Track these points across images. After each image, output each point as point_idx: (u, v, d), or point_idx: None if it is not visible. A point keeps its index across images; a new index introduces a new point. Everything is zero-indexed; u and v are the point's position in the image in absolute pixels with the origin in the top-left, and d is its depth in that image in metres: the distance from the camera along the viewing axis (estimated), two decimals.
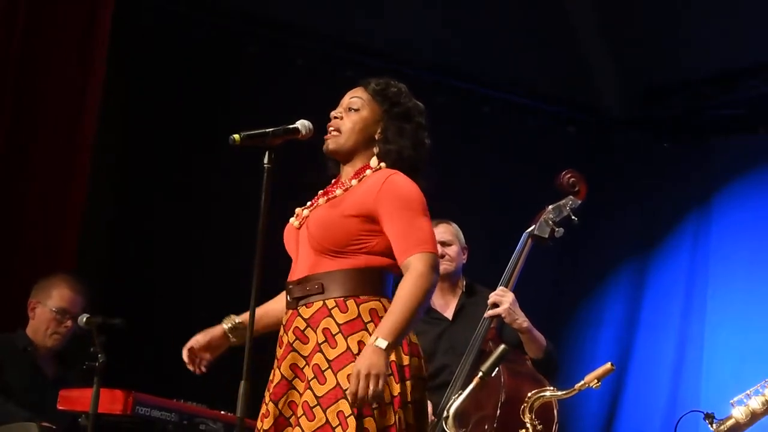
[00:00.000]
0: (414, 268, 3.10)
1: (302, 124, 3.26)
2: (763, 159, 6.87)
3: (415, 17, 6.68)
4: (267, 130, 3.17)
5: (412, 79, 6.44)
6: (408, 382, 3.12)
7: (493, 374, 3.50)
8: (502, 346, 3.51)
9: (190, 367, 3.41)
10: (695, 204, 7.15)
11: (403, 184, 3.20)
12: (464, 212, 4.83)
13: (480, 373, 3.45)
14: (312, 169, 3.49)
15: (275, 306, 3.39)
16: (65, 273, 4.97)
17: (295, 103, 5.32)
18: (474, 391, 3.49)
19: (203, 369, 3.40)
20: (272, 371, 3.22)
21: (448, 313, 4.62)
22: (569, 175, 4.51)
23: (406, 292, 3.07)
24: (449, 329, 4.55)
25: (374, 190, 3.19)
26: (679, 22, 6.77)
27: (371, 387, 2.96)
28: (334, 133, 3.30)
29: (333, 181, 3.41)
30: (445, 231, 4.67)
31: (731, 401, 3.10)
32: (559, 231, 4.45)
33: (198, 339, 3.42)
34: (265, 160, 3.14)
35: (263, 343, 3.28)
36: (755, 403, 3.07)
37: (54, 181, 5.56)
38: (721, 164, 7.08)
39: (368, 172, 3.27)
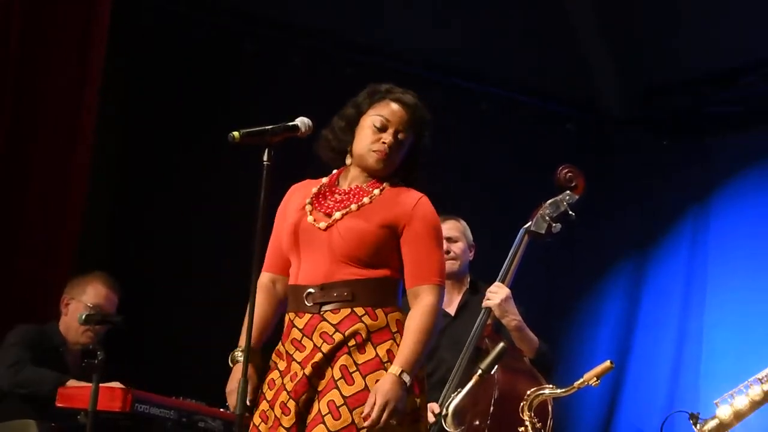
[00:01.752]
0: (426, 300, 3.22)
1: (302, 122, 3.27)
2: (761, 156, 6.86)
3: (414, 15, 6.68)
4: (266, 127, 3.18)
5: (411, 77, 6.48)
6: (423, 397, 3.24)
7: (492, 372, 3.50)
8: (501, 344, 3.52)
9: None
10: (694, 202, 7.14)
11: (433, 212, 3.33)
12: (462, 210, 4.82)
13: (479, 371, 3.46)
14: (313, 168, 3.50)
15: (267, 311, 3.38)
16: (100, 271, 4.93)
17: (295, 102, 5.32)
18: (473, 389, 3.50)
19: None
20: (284, 371, 3.24)
21: (451, 309, 4.61)
22: (566, 170, 4.51)
23: (421, 326, 3.18)
24: (452, 325, 4.54)
25: (407, 208, 3.29)
26: (677, 21, 6.77)
27: (386, 416, 3.06)
28: (386, 158, 3.32)
29: (327, 179, 3.42)
30: (452, 227, 4.66)
31: (715, 401, 3.11)
32: (556, 227, 4.45)
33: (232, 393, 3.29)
34: (265, 158, 3.15)
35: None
36: (740, 403, 3.07)
37: (54, 181, 5.56)
38: (719, 162, 7.08)
39: (386, 184, 3.33)
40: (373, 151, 3.30)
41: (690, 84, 7.08)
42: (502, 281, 4.41)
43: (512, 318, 4.35)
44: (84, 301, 4.76)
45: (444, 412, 3.45)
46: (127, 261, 6.05)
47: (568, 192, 4.49)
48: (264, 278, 3.40)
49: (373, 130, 3.32)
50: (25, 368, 4.54)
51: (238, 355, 3.28)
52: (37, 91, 5.53)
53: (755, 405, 3.08)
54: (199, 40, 6.42)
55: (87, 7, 5.69)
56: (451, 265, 4.62)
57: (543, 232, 4.45)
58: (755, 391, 3.09)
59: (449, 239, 4.62)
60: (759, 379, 3.12)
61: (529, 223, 4.46)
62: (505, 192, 6.99)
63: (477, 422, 4.13)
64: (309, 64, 6.64)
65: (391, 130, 3.32)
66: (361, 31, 6.70)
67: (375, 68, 6.61)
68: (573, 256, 7.07)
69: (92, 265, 5.24)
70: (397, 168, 3.35)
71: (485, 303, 4.36)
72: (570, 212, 4.45)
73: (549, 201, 4.47)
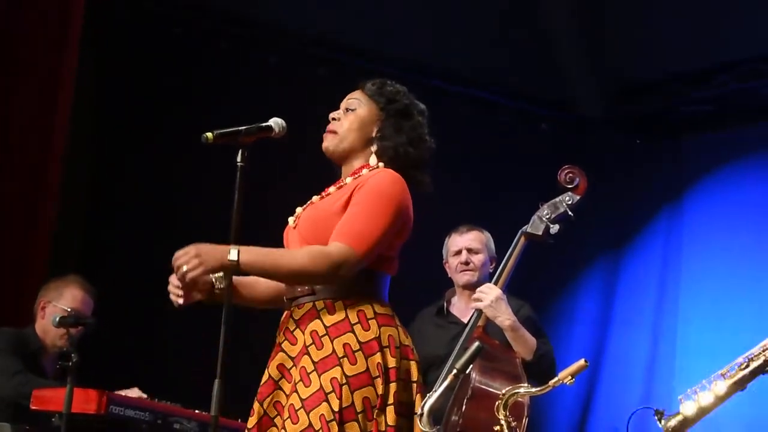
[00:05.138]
0: (325, 248, 3.07)
1: (275, 123, 3.26)
2: (733, 155, 6.92)
3: (388, 15, 6.68)
4: (239, 128, 3.17)
5: (385, 77, 6.49)
6: (393, 384, 3.12)
7: (467, 371, 3.50)
8: (476, 344, 3.51)
9: (172, 290, 3.25)
10: (667, 200, 7.19)
11: (383, 178, 3.19)
12: (438, 210, 4.83)
13: (454, 370, 3.46)
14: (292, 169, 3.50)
15: (263, 282, 3.35)
16: (76, 273, 4.91)
17: (270, 101, 5.31)
18: (449, 389, 3.50)
19: (180, 302, 3.25)
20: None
21: (465, 318, 4.60)
22: (567, 170, 4.45)
23: (293, 256, 3.08)
24: (463, 333, 4.47)
25: (361, 181, 3.19)
26: (651, 20, 6.80)
27: (189, 267, 2.99)
28: (332, 134, 3.31)
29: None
30: (474, 238, 4.66)
31: (679, 397, 3.13)
32: (555, 228, 4.39)
33: None
34: (238, 159, 3.14)
35: (237, 343, 3.28)
36: (704, 399, 3.09)
37: (27, 182, 5.54)
38: (693, 161, 7.14)
39: (365, 171, 3.27)
40: (324, 133, 3.32)
41: (663, 84, 7.13)
42: (496, 283, 4.40)
43: (505, 318, 4.32)
44: (61, 305, 4.73)
45: (419, 411, 3.44)
46: (100, 260, 6.04)
47: (568, 193, 4.43)
48: None
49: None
50: (27, 378, 4.52)
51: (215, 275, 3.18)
52: (9, 91, 5.51)
53: (719, 400, 3.10)
54: (175, 39, 6.41)
55: (61, 4, 5.66)
56: (470, 276, 4.62)
57: (540, 233, 4.40)
58: (719, 387, 3.11)
59: (470, 250, 4.62)
60: (722, 374, 3.14)
61: (526, 226, 4.42)
62: (480, 192, 7.01)
63: (453, 420, 4.13)
64: (283, 63, 6.63)
65: (339, 111, 3.33)
66: (334, 31, 6.70)
67: (351, 69, 6.62)
68: (546, 254, 7.10)
69: (67, 264, 5.22)
70: (360, 142, 3.30)
71: (476, 304, 4.35)
72: (570, 213, 4.41)
73: (547, 203, 4.43)
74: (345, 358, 3.06)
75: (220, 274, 3.15)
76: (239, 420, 4.25)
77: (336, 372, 3.04)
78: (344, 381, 3.04)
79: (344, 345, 3.08)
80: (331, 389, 3.03)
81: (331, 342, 3.08)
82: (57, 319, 4.42)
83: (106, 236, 6.18)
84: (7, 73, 5.49)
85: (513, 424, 3.33)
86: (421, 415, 3.15)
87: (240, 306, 3.36)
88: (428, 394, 3.18)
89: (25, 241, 5.50)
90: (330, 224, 3.15)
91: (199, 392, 3.63)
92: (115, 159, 6.26)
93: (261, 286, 3.37)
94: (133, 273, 6.04)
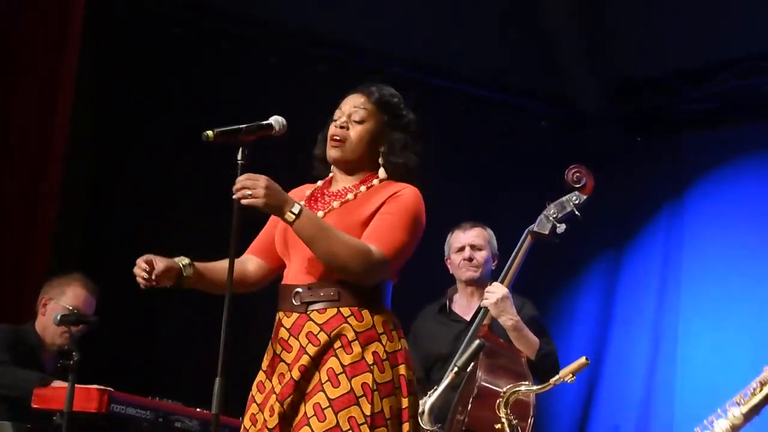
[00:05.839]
0: (371, 248, 3.12)
1: (276, 121, 3.26)
2: (734, 152, 6.92)
3: (388, 15, 6.68)
4: (240, 126, 3.16)
5: (385, 76, 6.50)
6: (412, 397, 3.20)
7: (468, 369, 3.50)
8: (477, 342, 3.52)
9: (139, 272, 3.29)
10: (668, 198, 7.19)
11: (410, 196, 3.24)
12: (437, 208, 4.82)
13: (455, 368, 3.46)
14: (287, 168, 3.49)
15: (222, 267, 3.32)
16: (79, 272, 4.90)
17: (269, 100, 5.31)
18: (451, 387, 3.50)
19: (147, 284, 3.28)
20: (268, 371, 3.23)
21: (467, 315, 4.62)
22: (575, 170, 4.45)
23: (342, 240, 3.09)
24: (466, 331, 4.50)
25: (387, 195, 3.23)
26: (651, 19, 6.80)
27: (254, 194, 3.03)
28: (340, 143, 3.29)
29: (322, 182, 3.41)
30: (477, 235, 4.66)
31: (696, 429, 3.12)
32: (561, 227, 4.39)
33: (159, 259, 3.30)
34: (239, 157, 3.14)
35: (238, 341, 3.28)
36: (720, 428, 3.09)
37: (27, 181, 5.53)
38: (692, 158, 7.14)
39: (375, 181, 3.30)
40: (329, 139, 3.31)
41: (663, 82, 7.13)
42: (502, 282, 4.40)
43: (509, 318, 4.33)
44: (62, 303, 4.72)
45: (420, 410, 3.44)
46: (102, 258, 6.04)
47: (576, 192, 4.43)
48: (243, 256, 3.42)
49: (331, 123, 3.33)
50: (8, 370, 4.52)
51: (183, 262, 3.29)
52: (8, 91, 5.51)
53: (736, 429, 3.10)
54: (175, 39, 6.41)
55: (61, 4, 5.66)
56: (473, 272, 4.63)
57: (547, 232, 4.40)
58: (735, 415, 3.11)
59: (473, 247, 4.63)
60: (736, 401, 3.14)
61: (532, 225, 4.42)
62: (480, 189, 7.01)
63: (458, 419, 4.14)
64: (283, 62, 6.63)
65: (344, 117, 3.32)
66: (333, 29, 6.70)
67: (351, 68, 6.62)
68: (547, 252, 7.09)
69: (67, 264, 5.21)
70: (367, 154, 3.31)
71: (482, 302, 4.35)
72: (577, 213, 4.41)
73: (554, 202, 4.42)
74: (375, 366, 3.13)
75: (188, 261, 3.24)
76: (240, 418, 4.25)
77: (367, 378, 3.11)
78: (375, 387, 3.11)
79: (373, 353, 3.15)
80: (362, 393, 3.10)
81: (361, 348, 3.14)
82: (59, 317, 4.42)
83: (106, 236, 6.17)
84: (7, 73, 5.49)
85: (514, 422, 3.33)
86: (422, 413, 3.16)
87: (240, 305, 3.36)
88: (429, 392, 3.18)
89: (25, 241, 5.49)
90: (360, 234, 3.18)
91: (200, 390, 3.63)
92: (115, 159, 6.26)
93: (221, 273, 3.32)
94: (133, 273, 6.04)
